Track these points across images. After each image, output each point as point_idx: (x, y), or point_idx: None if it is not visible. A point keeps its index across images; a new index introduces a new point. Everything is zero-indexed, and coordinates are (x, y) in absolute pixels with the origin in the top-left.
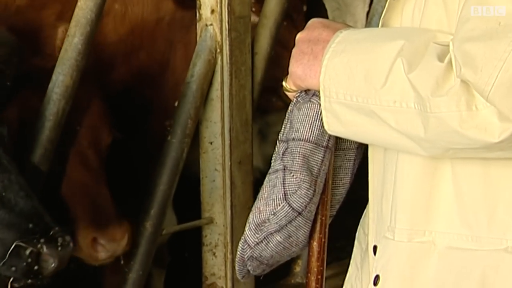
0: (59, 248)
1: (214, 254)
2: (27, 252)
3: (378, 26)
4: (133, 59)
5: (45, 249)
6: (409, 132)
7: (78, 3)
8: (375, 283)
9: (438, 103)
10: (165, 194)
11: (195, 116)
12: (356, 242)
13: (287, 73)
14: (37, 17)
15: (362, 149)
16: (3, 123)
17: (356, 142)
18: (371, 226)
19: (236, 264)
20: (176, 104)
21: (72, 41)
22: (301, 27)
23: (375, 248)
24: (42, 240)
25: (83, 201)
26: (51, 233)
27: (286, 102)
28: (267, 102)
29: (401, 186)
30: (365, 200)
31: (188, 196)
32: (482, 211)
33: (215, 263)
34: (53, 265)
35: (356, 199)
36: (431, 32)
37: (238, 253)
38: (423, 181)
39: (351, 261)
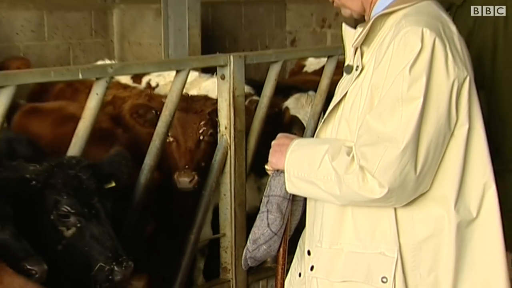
0: (123, 268)
1: (225, 251)
2: (106, 269)
3: (311, 137)
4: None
5: (115, 268)
6: (331, 192)
7: (158, 123)
8: (311, 269)
9: (347, 177)
10: (201, 222)
11: (216, 181)
12: (298, 247)
13: (267, 161)
14: (140, 131)
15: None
16: (110, 198)
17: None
18: (306, 239)
19: (242, 261)
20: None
21: (154, 144)
22: None
23: (309, 251)
24: (114, 263)
25: None
26: (120, 259)
27: None
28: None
29: (326, 218)
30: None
31: (214, 221)
32: (368, 232)
33: (226, 256)
34: (119, 277)
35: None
36: (342, 141)
37: (243, 255)
38: (337, 216)
39: (295, 257)
